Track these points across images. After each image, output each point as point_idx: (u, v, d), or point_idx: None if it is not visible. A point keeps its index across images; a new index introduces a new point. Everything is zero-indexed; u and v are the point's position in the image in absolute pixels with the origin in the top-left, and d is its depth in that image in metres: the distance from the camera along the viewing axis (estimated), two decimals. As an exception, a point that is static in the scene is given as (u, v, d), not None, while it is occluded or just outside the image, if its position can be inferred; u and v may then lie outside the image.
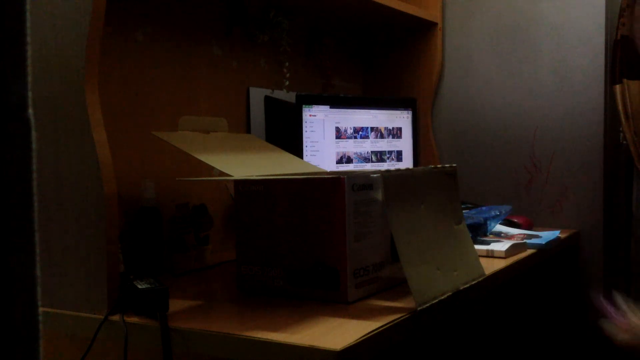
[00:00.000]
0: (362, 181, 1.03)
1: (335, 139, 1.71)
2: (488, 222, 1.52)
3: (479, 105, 1.93)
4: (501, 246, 1.41)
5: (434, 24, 1.96)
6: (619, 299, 1.21)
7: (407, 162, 1.90)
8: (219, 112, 1.54)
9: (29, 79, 0.35)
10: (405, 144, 1.89)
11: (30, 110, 0.35)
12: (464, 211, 1.37)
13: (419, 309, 0.94)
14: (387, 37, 2.08)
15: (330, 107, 1.69)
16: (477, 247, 1.37)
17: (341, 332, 0.85)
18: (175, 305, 1.00)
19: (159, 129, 1.38)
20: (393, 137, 1.85)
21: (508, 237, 1.55)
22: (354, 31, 2.06)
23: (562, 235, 1.66)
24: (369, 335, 0.84)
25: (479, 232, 1.49)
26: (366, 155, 1.78)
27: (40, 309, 0.36)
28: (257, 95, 1.65)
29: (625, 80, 1.70)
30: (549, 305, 1.84)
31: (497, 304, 1.68)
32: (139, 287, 0.93)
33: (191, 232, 1.33)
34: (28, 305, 0.35)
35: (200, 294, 1.10)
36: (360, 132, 1.76)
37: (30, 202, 0.35)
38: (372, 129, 1.79)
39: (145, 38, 1.37)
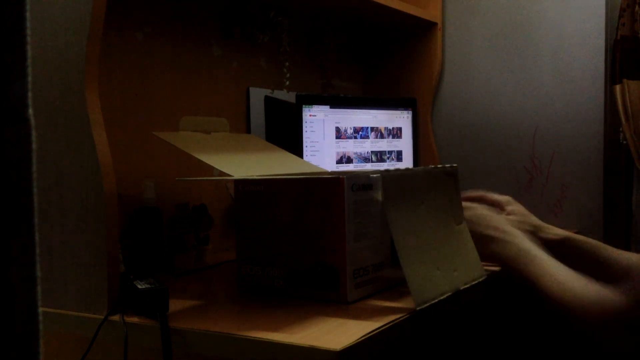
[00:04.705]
0: (362, 181, 1.03)
1: (335, 139, 1.71)
2: (488, 222, 1.52)
3: (479, 105, 1.93)
4: (501, 246, 1.41)
5: (434, 24, 1.96)
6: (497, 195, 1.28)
7: (407, 162, 1.90)
8: (219, 112, 1.54)
9: (29, 79, 0.35)
10: (405, 144, 1.89)
11: (30, 110, 0.35)
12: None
13: (418, 309, 0.94)
14: (387, 37, 2.08)
15: (330, 107, 1.69)
16: (477, 247, 1.37)
17: (341, 332, 0.85)
18: (175, 305, 1.00)
19: (159, 129, 1.38)
20: (393, 137, 1.85)
21: (508, 237, 1.54)
22: (354, 31, 2.06)
23: (562, 235, 1.66)
24: (368, 335, 0.84)
25: (479, 232, 1.49)
26: (366, 155, 1.78)
27: (40, 309, 0.36)
28: (257, 95, 1.65)
29: (625, 80, 1.70)
30: (549, 305, 1.84)
31: (497, 304, 1.68)
32: (139, 287, 0.93)
33: (191, 232, 1.33)
34: (28, 305, 0.35)
35: (200, 294, 1.10)
36: (360, 132, 1.76)
37: (30, 202, 0.35)
38: (372, 129, 1.79)
39: (145, 38, 1.37)
